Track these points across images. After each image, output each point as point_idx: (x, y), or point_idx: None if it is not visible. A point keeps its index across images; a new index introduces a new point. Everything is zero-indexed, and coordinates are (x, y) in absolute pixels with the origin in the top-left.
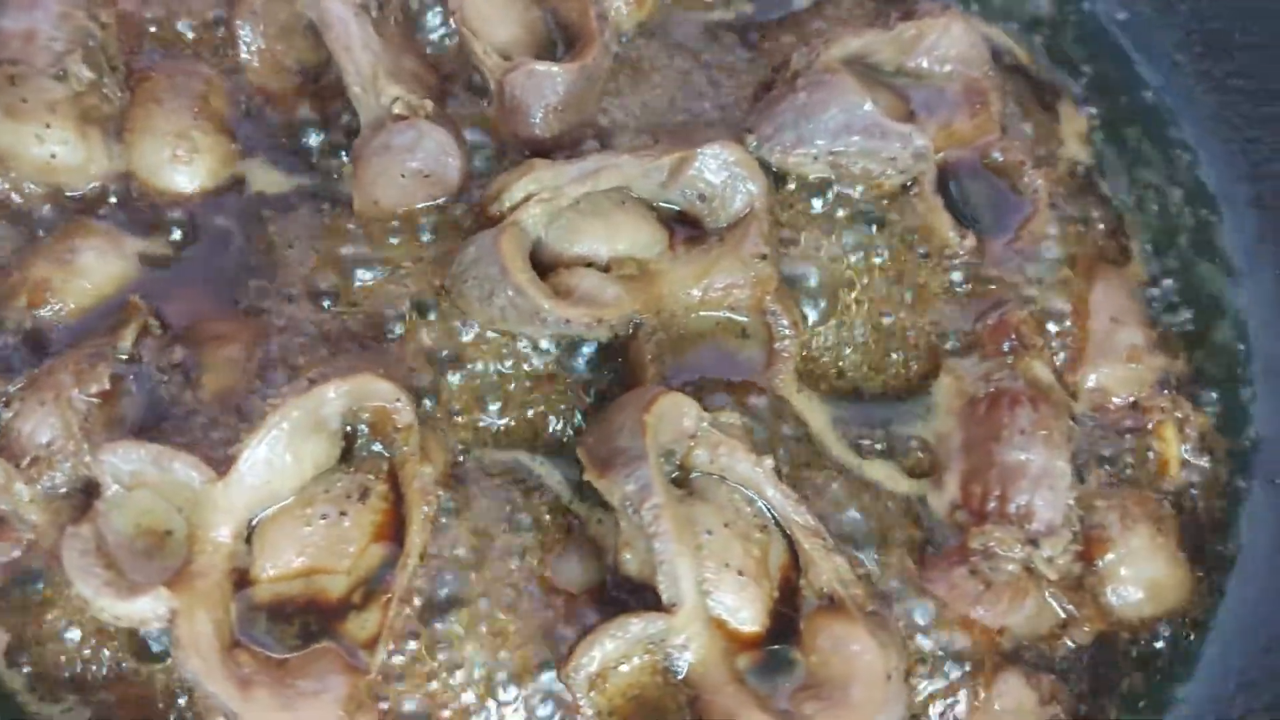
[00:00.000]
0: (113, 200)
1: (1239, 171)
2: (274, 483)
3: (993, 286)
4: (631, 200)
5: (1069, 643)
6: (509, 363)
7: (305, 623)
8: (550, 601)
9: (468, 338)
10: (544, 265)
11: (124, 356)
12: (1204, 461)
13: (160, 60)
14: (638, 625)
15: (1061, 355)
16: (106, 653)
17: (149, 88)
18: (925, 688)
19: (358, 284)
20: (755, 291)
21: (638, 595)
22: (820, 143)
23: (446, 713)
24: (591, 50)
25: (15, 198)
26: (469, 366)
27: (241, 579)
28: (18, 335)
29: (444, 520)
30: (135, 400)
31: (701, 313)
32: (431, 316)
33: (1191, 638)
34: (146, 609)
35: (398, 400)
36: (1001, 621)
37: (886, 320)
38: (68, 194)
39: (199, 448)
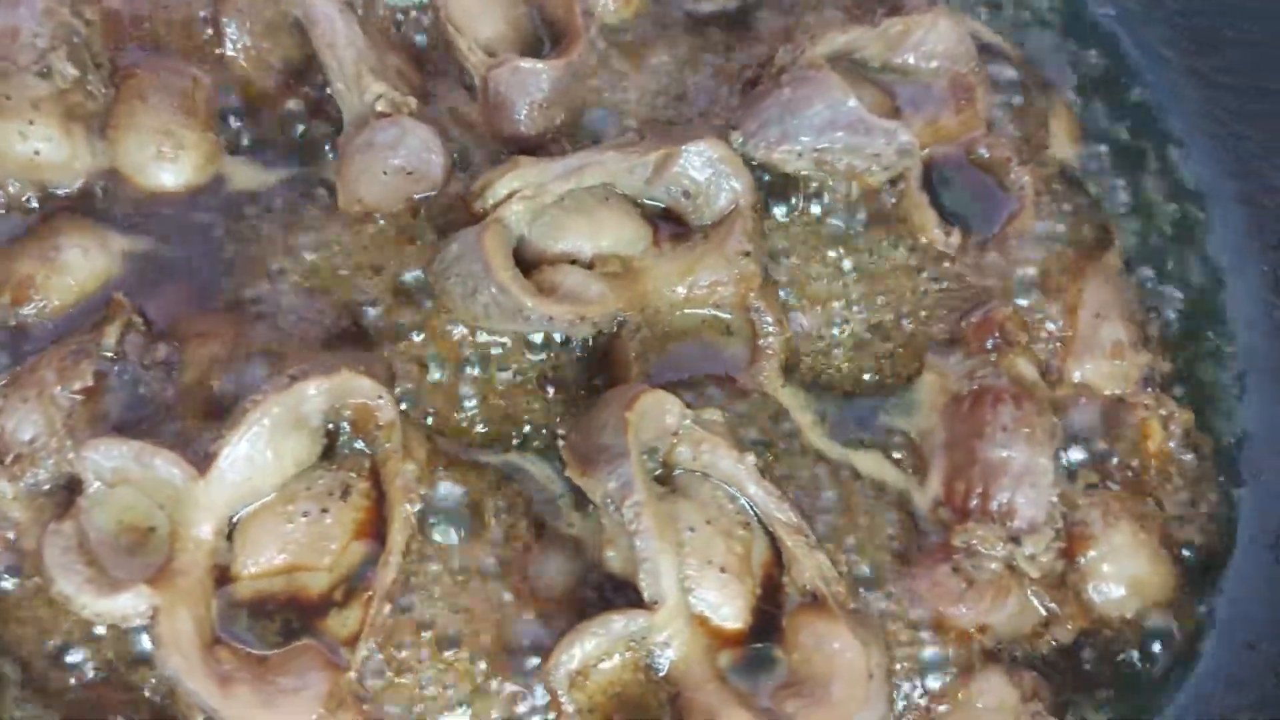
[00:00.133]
0: (97, 197)
1: (1226, 168)
2: (255, 480)
3: (977, 283)
4: (616, 197)
5: (1052, 640)
6: (494, 360)
7: (286, 620)
8: (533, 598)
9: (454, 336)
10: (528, 262)
11: (107, 353)
12: (1188, 458)
13: (145, 57)
14: (619, 622)
15: (1047, 352)
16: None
17: (134, 85)
18: (906, 686)
19: (340, 281)
20: (739, 288)
21: (620, 593)
22: (805, 139)
23: (423, 709)
24: (577, 47)
25: None
26: (453, 364)
27: (223, 576)
28: (1, 332)
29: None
30: (118, 397)
31: (686, 310)
32: (415, 314)
33: (1176, 635)
34: (127, 606)
35: (380, 397)
36: (984, 619)
37: (870, 317)
38: (52, 191)
39: (181, 445)
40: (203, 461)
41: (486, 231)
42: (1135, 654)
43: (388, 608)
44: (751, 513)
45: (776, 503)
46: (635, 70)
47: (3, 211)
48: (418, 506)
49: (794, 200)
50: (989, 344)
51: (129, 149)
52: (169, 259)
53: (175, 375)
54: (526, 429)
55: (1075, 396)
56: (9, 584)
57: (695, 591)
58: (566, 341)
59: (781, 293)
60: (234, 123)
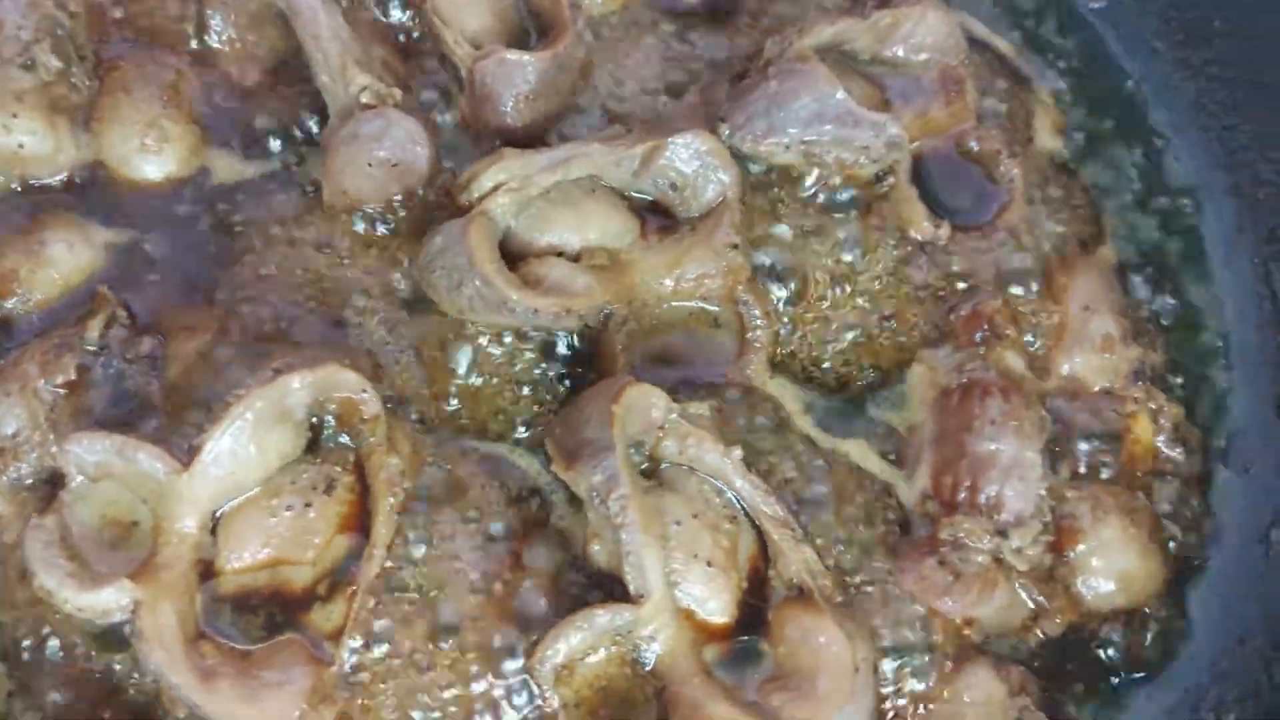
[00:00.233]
0: (81, 190)
1: (1217, 160)
2: (238, 474)
3: (967, 276)
4: (603, 189)
5: (1040, 634)
6: (481, 353)
7: (270, 614)
8: (519, 592)
9: (440, 329)
10: (514, 255)
11: (91, 347)
12: (1178, 452)
13: (129, 49)
14: (604, 617)
15: (1037, 345)
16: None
17: (118, 77)
18: (893, 679)
19: (325, 274)
20: (727, 281)
21: (606, 587)
22: (792, 131)
23: (409, 704)
24: (564, 39)
25: None
26: (440, 357)
27: (206, 570)
28: None
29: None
30: (102, 391)
31: (673, 303)
32: (401, 308)
33: (1164, 629)
34: (109, 600)
35: (364, 391)
36: (970, 613)
37: (859, 310)
38: (35, 184)
39: (165, 439)
40: (186, 455)
41: (471, 224)
42: (1124, 648)
43: (372, 601)
44: (738, 506)
45: (763, 496)
46: (622, 62)
47: None
48: (401, 499)
49: (782, 192)
50: (978, 337)
51: (113, 141)
52: (153, 252)
53: (160, 369)
54: (514, 422)
55: (1064, 390)
56: None
57: (681, 585)
58: (554, 334)
59: (769, 286)
60: (219, 115)
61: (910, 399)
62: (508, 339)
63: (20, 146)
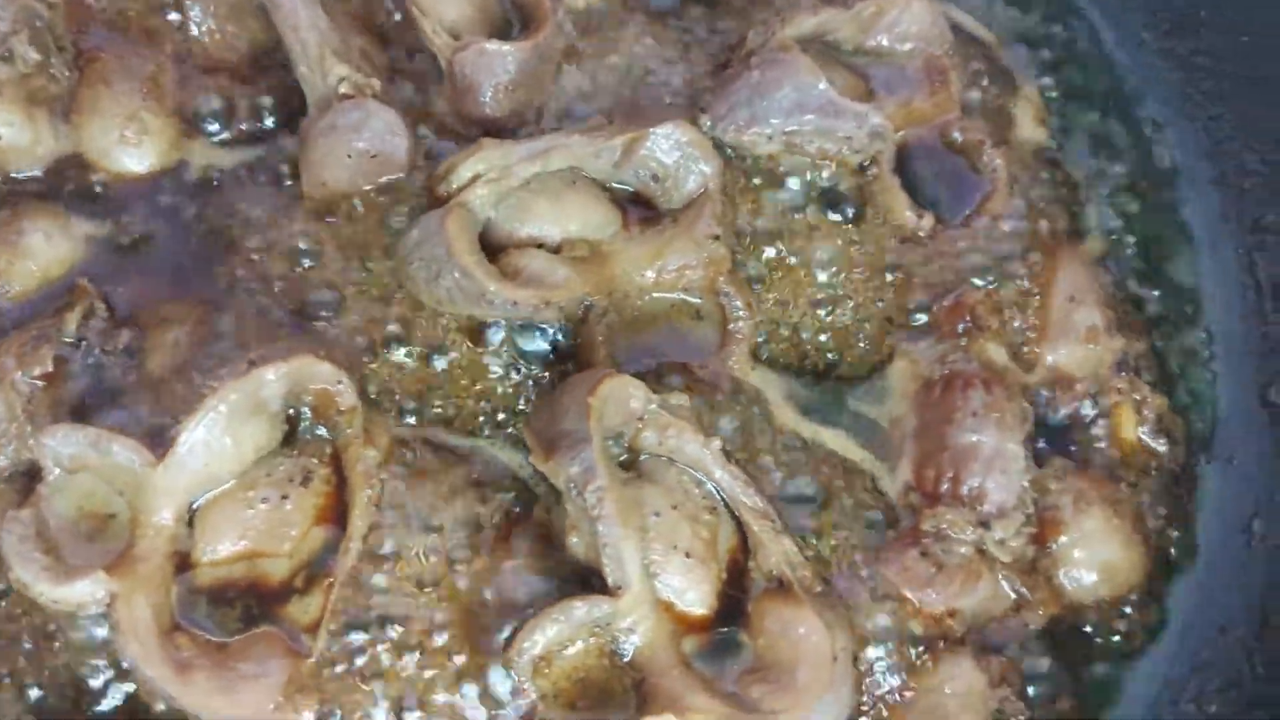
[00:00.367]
0: (60, 182)
1: (1202, 149)
2: (213, 466)
3: (950, 267)
4: (583, 180)
5: (1023, 626)
6: (462, 344)
7: (247, 606)
8: (500, 584)
9: (420, 320)
10: (494, 246)
11: (69, 339)
12: (1161, 443)
13: (109, 40)
14: (582, 609)
15: (1020, 337)
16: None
17: (98, 69)
18: (873, 670)
19: (304, 266)
20: (708, 272)
21: (585, 579)
22: (774, 121)
23: (390, 695)
24: (544, 29)
25: None
26: (420, 349)
27: (183, 563)
28: None
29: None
30: (80, 383)
31: (654, 294)
32: (380, 299)
33: (1147, 620)
34: (84, 593)
35: (339, 382)
36: (953, 604)
37: (842, 302)
38: (14, 176)
39: (142, 431)
40: (161, 447)
41: (449, 215)
42: (1106, 638)
43: (348, 593)
44: (718, 497)
45: (743, 487)
46: (604, 53)
47: None
48: (378, 491)
49: (765, 183)
50: (960, 328)
51: (93, 133)
52: (134, 244)
53: (138, 361)
54: (494, 415)
55: (1048, 381)
56: None
57: (660, 577)
58: (535, 326)
59: (751, 277)
60: (199, 107)
61: (892, 391)
62: (487, 330)
63: None
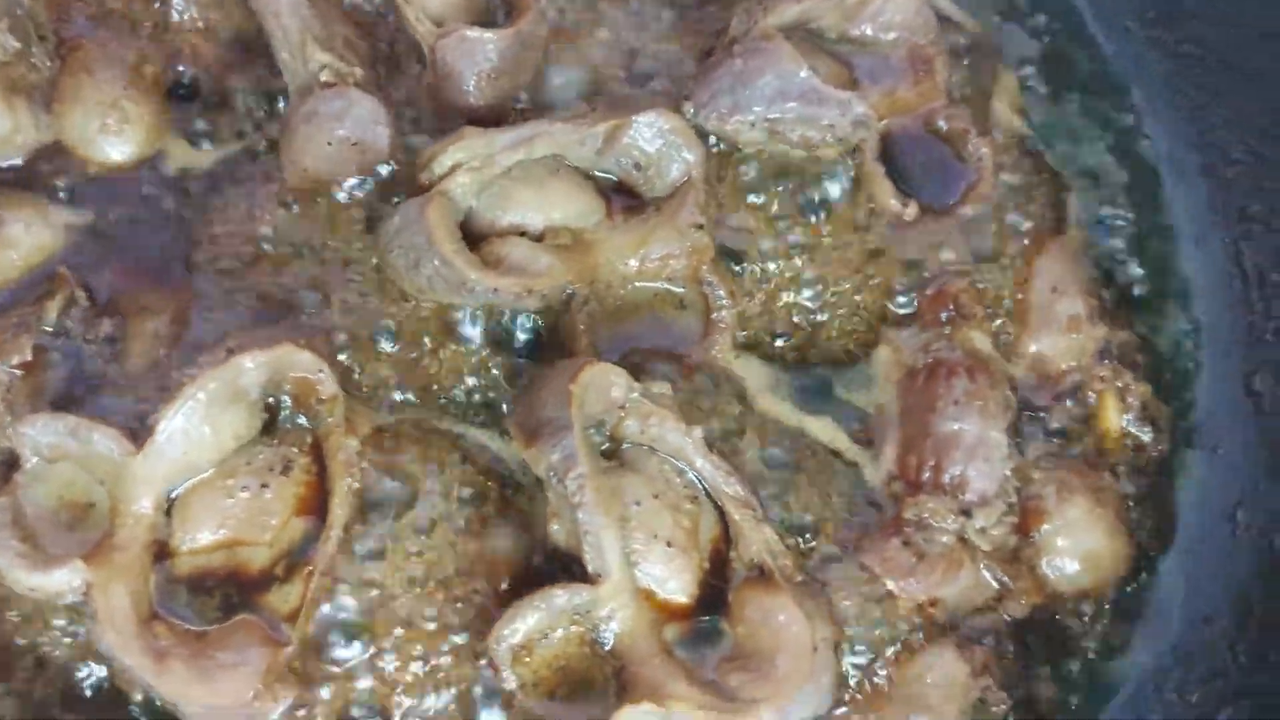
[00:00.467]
0: (40, 171)
1: (1188, 139)
2: (192, 454)
3: (933, 256)
4: (566, 169)
5: (1005, 615)
6: (447, 333)
7: (227, 595)
8: (481, 572)
9: (402, 308)
10: (477, 235)
11: (49, 328)
12: (1146, 432)
13: (91, 29)
14: (562, 597)
15: (1003, 326)
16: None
17: (79, 57)
18: (854, 659)
19: (284, 255)
20: (692, 261)
21: (567, 567)
22: (757, 109)
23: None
24: (527, 16)
25: None
26: (405, 338)
27: (162, 551)
28: None
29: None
30: (59, 372)
31: (638, 283)
32: (362, 287)
33: (1130, 610)
34: (61, 581)
35: (320, 371)
36: (934, 593)
37: (826, 290)
38: None
39: (122, 420)
40: (140, 436)
41: (430, 203)
42: (1089, 628)
43: (331, 581)
44: (700, 486)
45: (724, 476)
46: (587, 41)
47: None
48: (359, 480)
49: (746, 169)
50: (943, 317)
51: (74, 122)
52: (114, 233)
53: (119, 350)
54: (477, 404)
55: (1031, 370)
56: None
57: (641, 565)
58: (517, 315)
59: (735, 265)
60: (181, 96)
61: (876, 379)
62: (473, 320)
63: None
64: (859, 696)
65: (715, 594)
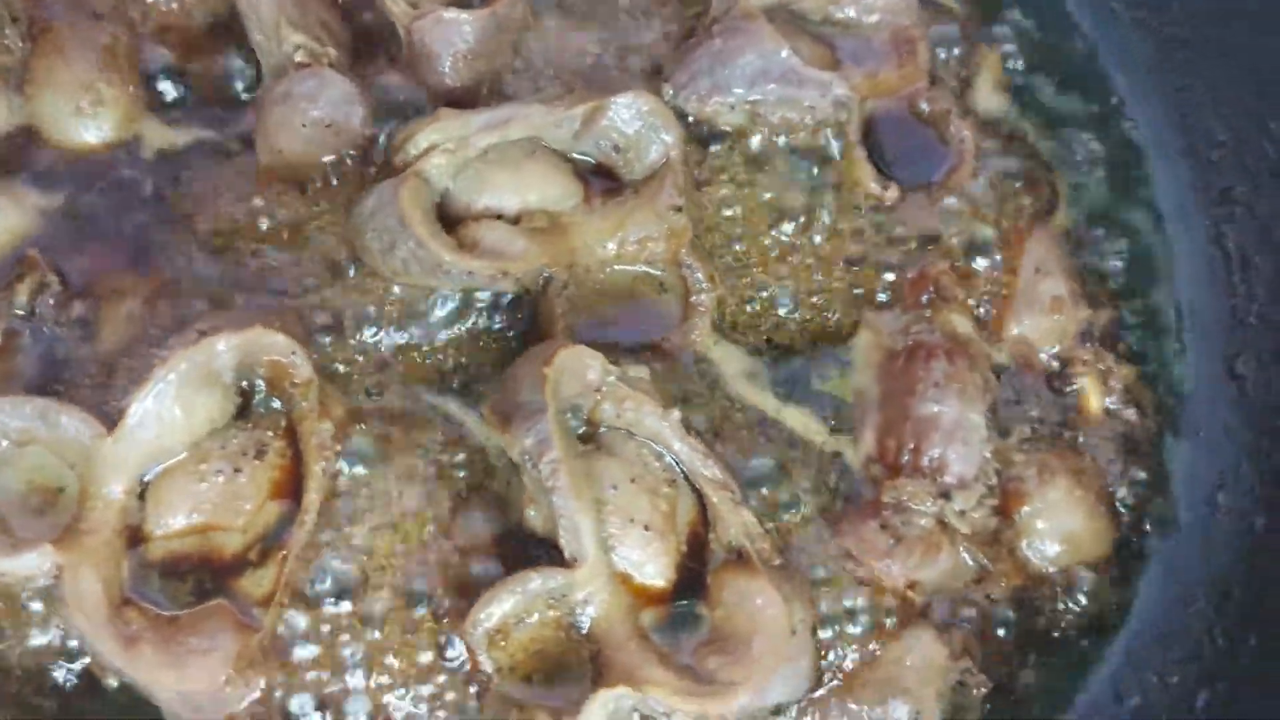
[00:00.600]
0: (12, 154)
1: (1171, 121)
2: (165, 438)
3: (914, 238)
4: (543, 151)
5: (985, 597)
6: (425, 316)
7: (200, 580)
8: (459, 556)
9: (378, 292)
10: (452, 217)
11: (20, 312)
12: (1129, 414)
13: (64, 10)
14: (537, 581)
15: (985, 308)
16: None
17: (52, 39)
18: (833, 642)
19: (259, 239)
20: (670, 244)
21: (544, 551)
22: (737, 90)
23: (343, 669)
24: None
25: None
26: (385, 321)
27: (135, 536)
28: None
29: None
30: (30, 356)
31: (616, 267)
32: (336, 269)
33: (1110, 592)
34: (31, 565)
35: (293, 354)
36: (913, 576)
37: (806, 273)
38: None
39: (94, 403)
40: (111, 419)
41: (404, 185)
42: (1069, 611)
43: (304, 566)
44: (677, 470)
45: (702, 459)
46: (565, 22)
47: None
48: (333, 464)
49: (726, 152)
50: (924, 299)
51: (47, 105)
52: (87, 216)
53: (91, 333)
54: (453, 387)
55: (1013, 352)
56: None
57: (617, 549)
58: (498, 298)
59: (714, 248)
60: (156, 78)
61: (856, 363)
62: (449, 302)
63: None
64: (837, 680)
65: (693, 577)
